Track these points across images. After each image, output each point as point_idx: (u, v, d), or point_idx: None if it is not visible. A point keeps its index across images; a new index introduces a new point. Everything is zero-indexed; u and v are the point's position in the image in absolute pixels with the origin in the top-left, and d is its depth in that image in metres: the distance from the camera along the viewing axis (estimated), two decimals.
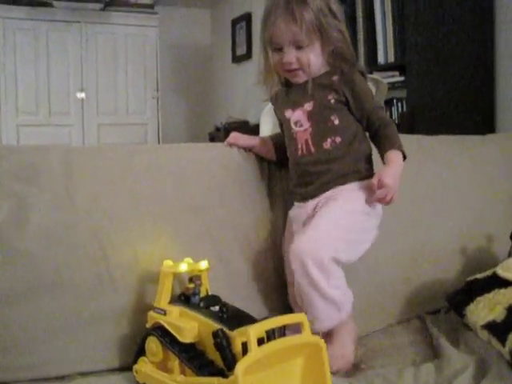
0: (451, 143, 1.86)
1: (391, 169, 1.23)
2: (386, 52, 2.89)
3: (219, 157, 1.45)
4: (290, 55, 1.30)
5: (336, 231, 1.26)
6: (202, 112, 5.84)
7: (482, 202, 1.78)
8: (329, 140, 1.31)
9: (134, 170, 1.33)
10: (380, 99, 2.48)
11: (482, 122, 2.73)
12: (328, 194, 1.31)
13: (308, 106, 1.33)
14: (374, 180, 1.22)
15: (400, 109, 2.85)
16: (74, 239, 1.21)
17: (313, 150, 1.32)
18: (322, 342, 1.00)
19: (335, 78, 1.32)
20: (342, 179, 1.31)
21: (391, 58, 2.85)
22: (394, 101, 2.87)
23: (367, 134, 1.35)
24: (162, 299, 1.15)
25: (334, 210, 1.28)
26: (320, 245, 1.22)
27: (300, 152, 1.34)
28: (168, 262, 1.19)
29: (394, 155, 1.25)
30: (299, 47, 1.29)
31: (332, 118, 1.31)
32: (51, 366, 1.18)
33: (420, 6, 2.65)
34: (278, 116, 1.45)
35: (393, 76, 2.78)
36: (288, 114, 1.37)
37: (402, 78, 2.76)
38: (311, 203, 1.33)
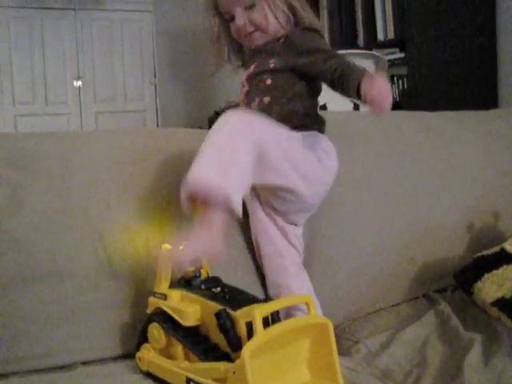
0: (455, 119, 1.82)
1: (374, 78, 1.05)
2: (385, 28, 2.85)
3: None
4: (241, 19, 1.27)
5: None
6: (201, 97, 5.77)
7: (486, 177, 1.74)
8: (256, 100, 1.27)
9: (131, 153, 1.30)
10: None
11: (484, 97, 2.69)
12: None
13: (250, 69, 1.32)
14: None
15: (401, 86, 2.82)
16: (71, 227, 1.18)
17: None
18: (329, 322, 0.98)
19: (280, 41, 1.28)
20: None
21: (391, 34, 2.82)
22: (395, 78, 2.84)
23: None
24: (162, 283, 1.12)
25: None
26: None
27: None
28: (167, 246, 1.16)
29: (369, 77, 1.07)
30: (248, 8, 1.26)
31: (265, 77, 1.27)
32: (53, 356, 1.15)
33: None
34: None
35: (393, 53, 2.75)
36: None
37: (402, 55, 2.72)
38: None
